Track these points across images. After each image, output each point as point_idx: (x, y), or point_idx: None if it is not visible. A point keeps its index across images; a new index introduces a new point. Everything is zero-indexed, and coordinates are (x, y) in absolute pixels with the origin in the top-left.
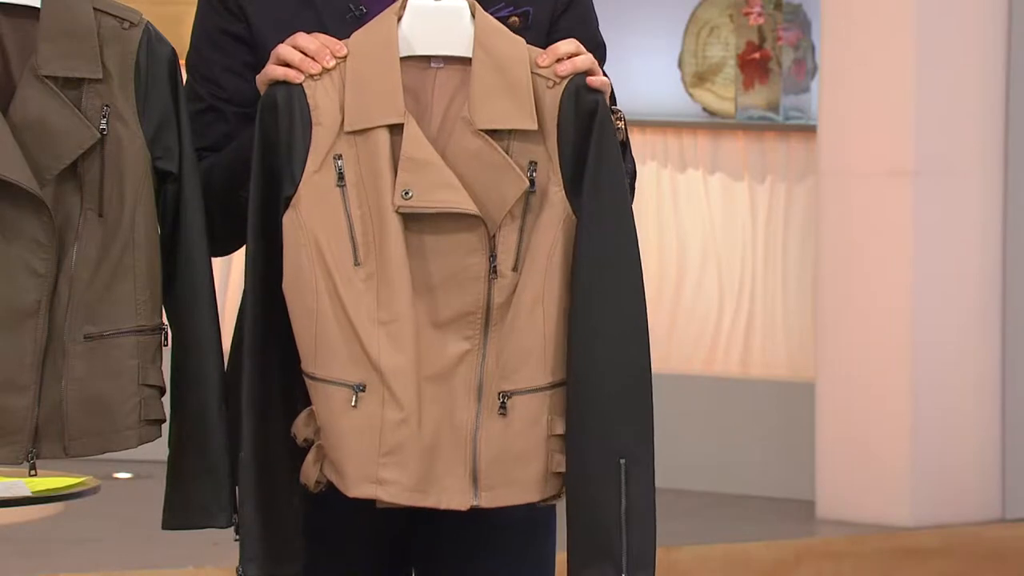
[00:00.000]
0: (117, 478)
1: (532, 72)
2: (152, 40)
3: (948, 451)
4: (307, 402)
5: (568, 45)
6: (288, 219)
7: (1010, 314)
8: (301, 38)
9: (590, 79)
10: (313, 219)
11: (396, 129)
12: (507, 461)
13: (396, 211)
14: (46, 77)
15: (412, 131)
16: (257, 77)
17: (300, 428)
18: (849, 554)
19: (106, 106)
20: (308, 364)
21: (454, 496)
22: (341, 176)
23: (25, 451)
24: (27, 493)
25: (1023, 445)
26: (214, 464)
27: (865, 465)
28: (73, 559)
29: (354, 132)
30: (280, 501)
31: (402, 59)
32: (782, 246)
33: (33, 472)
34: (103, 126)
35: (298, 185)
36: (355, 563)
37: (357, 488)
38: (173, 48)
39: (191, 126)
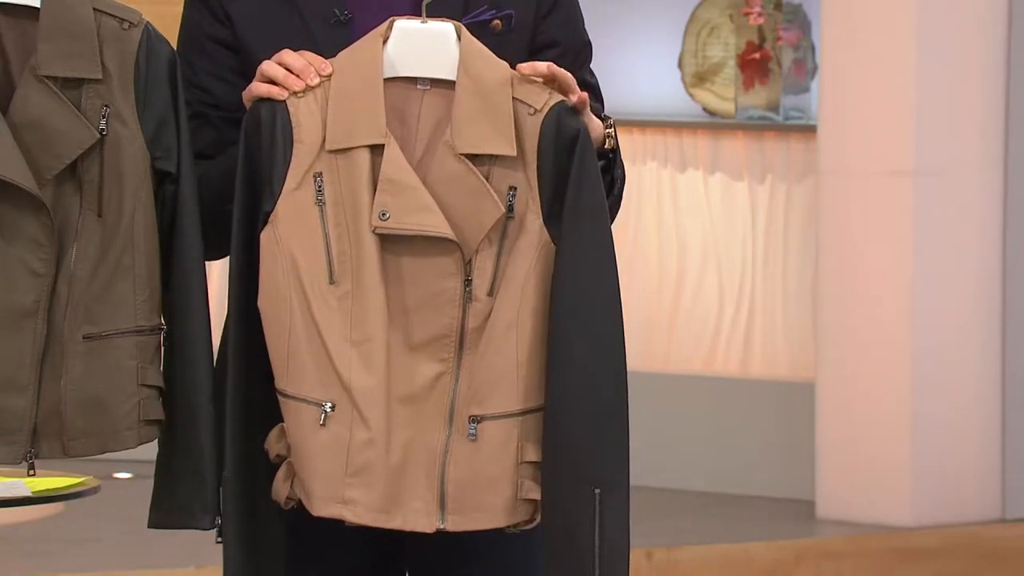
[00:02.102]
0: (117, 478)
1: (514, 98)
2: (152, 40)
3: (948, 451)
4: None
5: (542, 68)
6: (266, 235)
7: (1010, 314)
8: (287, 55)
9: (569, 94)
10: (290, 236)
11: (377, 150)
12: (476, 486)
13: (373, 232)
14: (46, 77)
15: (392, 153)
16: (243, 93)
17: (272, 444)
18: (849, 554)
19: (106, 106)
20: (280, 380)
21: (420, 518)
22: (320, 194)
23: (24, 451)
24: (27, 493)
25: (1023, 445)
26: (200, 466)
27: (865, 465)
28: (73, 559)
29: (335, 151)
30: (262, 518)
31: (390, 80)
32: (782, 246)
33: (32, 472)
34: (103, 126)
35: (277, 201)
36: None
37: (323, 507)
38: (173, 48)
39: None
